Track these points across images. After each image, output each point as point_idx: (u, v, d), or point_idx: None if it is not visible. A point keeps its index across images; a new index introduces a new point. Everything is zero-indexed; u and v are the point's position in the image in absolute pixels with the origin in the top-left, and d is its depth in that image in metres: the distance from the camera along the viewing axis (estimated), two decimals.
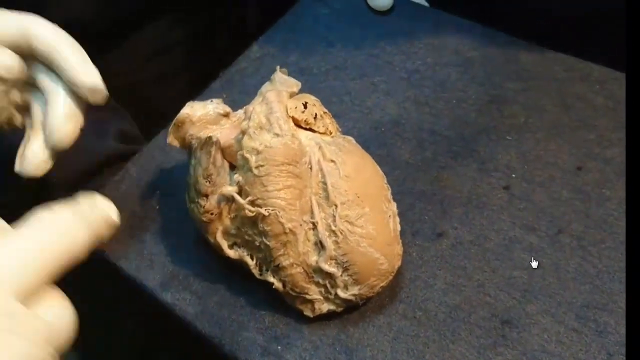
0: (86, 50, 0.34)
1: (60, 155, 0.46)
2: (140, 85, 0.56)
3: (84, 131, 0.48)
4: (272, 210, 0.31)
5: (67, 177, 0.46)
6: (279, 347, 0.34)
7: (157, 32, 0.55)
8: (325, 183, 0.32)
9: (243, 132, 0.33)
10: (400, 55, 0.48)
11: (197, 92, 0.63)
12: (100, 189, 0.43)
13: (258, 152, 0.32)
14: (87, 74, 0.33)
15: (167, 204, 0.41)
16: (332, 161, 0.33)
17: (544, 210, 0.38)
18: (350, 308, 0.34)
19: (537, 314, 0.34)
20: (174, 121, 0.36)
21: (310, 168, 0.32)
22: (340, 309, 0.34)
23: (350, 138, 0.36)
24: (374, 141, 0.43)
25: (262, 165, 0.31)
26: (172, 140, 0.37)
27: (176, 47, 0.58)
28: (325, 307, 0.33)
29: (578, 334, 0.33)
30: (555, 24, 0.48)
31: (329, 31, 0.51)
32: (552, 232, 0.37)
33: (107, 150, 0.48)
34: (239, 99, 0.47)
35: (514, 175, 0.39)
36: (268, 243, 0.32)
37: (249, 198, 0.32)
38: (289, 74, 0.36)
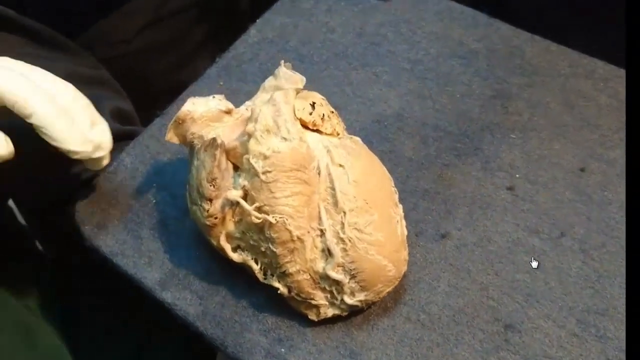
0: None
1: None
2: (132, 57, 0.54)
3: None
4: (280, 217, 0.30)
5: (60, 159, 0.44)
6: (283, 350, 0.34)
7: (150, 3, 0.53)
8: (333, 189, 0.31)
9: (249, 135, 0.32)
10: (403, 45, 0.46)
11: (187, 64, 0.61)
12: (94, 181, 0.41)
13: (265, 157, 0.31)
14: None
15: (164, 198, 0.40)
16: (341, 165, 0.32)
17: (547, 212, 0.38)
18: (355, 311, 0.34)
19: (539, 319, 0.34)
20: (174, 118, 0.35)
21: (319, 173, 0.32)
22: (345, 314, 0.33)
23: (357, 139, 0.35)
24: (376, 135, 0.42)
25: (269, 171, 0.31)
26: (171, 137, 0.35)
27: (168, 19, 0.56)
28: (330, 311, 0.33)
29: (579, 339, 0.33)
30: (560, 16, 0.47)
31: (329, 16, 0.49)
32: (555, 235, 0.37)
33: None
34: (236, 86, 0.45)
35: (517, 176, 0.39)
36: (275, 250, 0.31)
37: (255, 204, 0.31)
38: (288, 61, 0.35)
